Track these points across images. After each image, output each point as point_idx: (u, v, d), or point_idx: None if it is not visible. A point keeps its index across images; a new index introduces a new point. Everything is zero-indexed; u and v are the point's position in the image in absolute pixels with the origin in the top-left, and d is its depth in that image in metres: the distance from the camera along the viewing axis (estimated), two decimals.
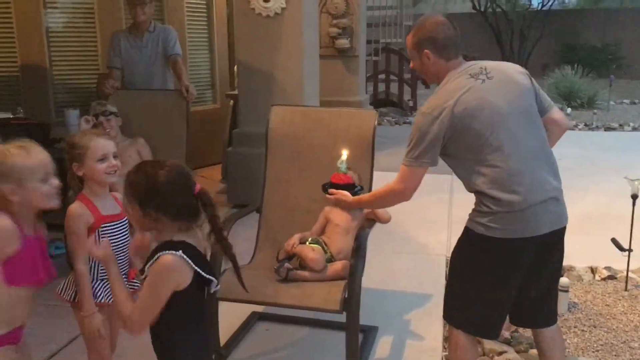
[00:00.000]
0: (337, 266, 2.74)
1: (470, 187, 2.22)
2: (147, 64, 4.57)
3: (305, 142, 3.09)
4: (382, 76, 10.26)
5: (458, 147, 2.17)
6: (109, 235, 2.16)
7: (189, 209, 1.69)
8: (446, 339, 3.02)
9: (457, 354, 2.32)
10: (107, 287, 2.16)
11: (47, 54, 5.56)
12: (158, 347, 1.74)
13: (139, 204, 1.67)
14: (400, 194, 2.34)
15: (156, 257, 1.65)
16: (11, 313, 1.76)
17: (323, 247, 2.80)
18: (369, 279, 3.66)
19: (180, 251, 1.64)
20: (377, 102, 10.12)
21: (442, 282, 3.70)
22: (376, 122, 3.05)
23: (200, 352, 1.77)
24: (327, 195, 2.64)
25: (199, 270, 1.65)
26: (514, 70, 2.28)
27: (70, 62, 5.68)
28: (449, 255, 4.14)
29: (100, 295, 2.16)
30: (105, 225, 2.17)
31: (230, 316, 3.04)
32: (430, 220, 4.92)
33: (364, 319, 3.08)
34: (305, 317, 3.05)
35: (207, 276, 1.69)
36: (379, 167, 6.62)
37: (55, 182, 1.86)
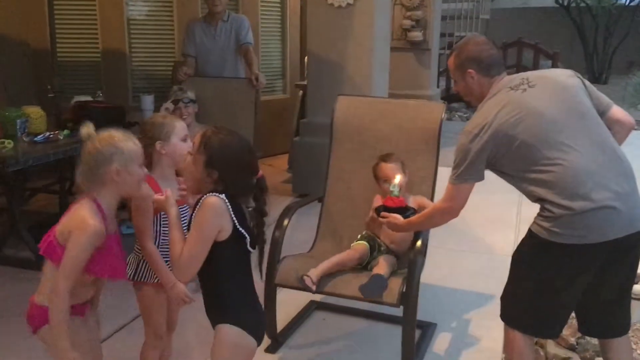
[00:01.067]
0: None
1: (532, 198, 2.15)
2: (220, 53, 4.65)
3: (370, 133, 3.07)
4: None
5: (510, 161, 2.12)
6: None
7: (245, 186, 1.79)
8: None
9: (513, 356, 2.25)
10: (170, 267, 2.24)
11: (127, 41, 5.77)
12: (210, 305, 1.84)
13: (206, 159, 1.77)
14: (448, 212, 2.35)
15: (201, 200, 1.75)
16: (79, 291, 1.84)
17: (371, 242, 2.80)
18: (431, 275, 3.62)
19: (224, 195, 1.73)
20: (449, 97, 9.93)
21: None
22: (443, 115, 2.98)
23: (252, 311, 1.85)
24: (380, 219, 2.65)
25: (235, 220, 1.72)
26: (561, 74, 2.22)
27: (148, 50, 5.87)
28: None
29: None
30: None
31: (288, 304, 3.07)
32: (498, 220, 4.79)
33: (422, 315, 3.05)
34: (363, 309, 3.04)
35: (241, 230, 1.74)
36: (446, 164, 6.57)
37: (145, 170, 1.97)
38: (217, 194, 1.73)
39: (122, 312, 2.99)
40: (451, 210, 2.32)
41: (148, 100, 4.46)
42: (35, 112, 3.81)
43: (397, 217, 2.57)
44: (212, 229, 1.72)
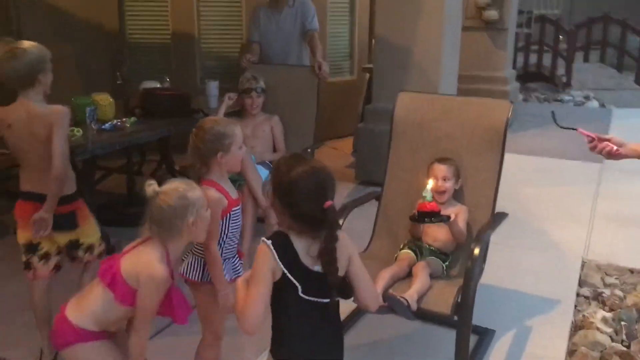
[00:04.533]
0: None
1: None
2: (284, 39, 4.61)
3: (431, 132, 2.96)
4: (534, 47, 9.59)
5: None
6: (237, 218, 2.27)
7: (311, 218, 1.67)
8: (570, 353, 2.81)
9: None
10: (230, 265, 2.29)
11: (197, 24, 5.82)
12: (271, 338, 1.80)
13: (274, 190, 1.74)
14: None
15: None
16: (110, 322, 1.91)
17: (414, 247, 2.75)
18: (490, 275, 3.47)
19: (270, 241, 1.66)
20: (527, 76, 9.52)
21: (574, 288, 3.43)
22: (510, 114, 2.83)
23: (306, 350, 1.76)
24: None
25: (279, 262, 1.65)
26: None
27: (217, 33, 5.91)
28: (586, 256, 3.86)
29: (225, 273, 2.25)
30: (235, 208, 2.25)
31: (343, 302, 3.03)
32: (570, 215, 4.56)
33: (480, 320, 2.96)
34: (420, 310, 2.97)
35: (288, 274, 1.66)
36: (518, 150, 6.33)
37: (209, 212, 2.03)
38: (266, 239, 1.68)
39: None
40: None
41: (213, 86, 4.49)
42: (104, 100, 3.90)
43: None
44: (262, 273, 1.66)
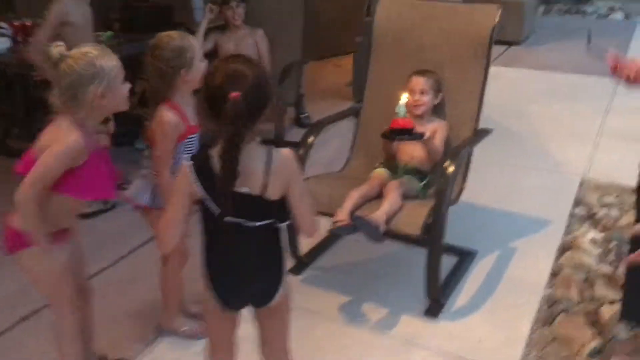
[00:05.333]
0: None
1: None
2: None
3: (413, 40, 2.74)
4: None
5: None
6: (191, 146, 2.09)
7: (217, 112, 1.47)
8: (553, 275, 2.69)
9: None
10: None
11: None
12: None
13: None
14: None
15: None
16: (57, 218, 1.78)
17: (388, 166, 2.60)
18: (481, 194, 3.34)
19: (191, 162, 1.52)
20: None
21: (568, 208, 3.26)
22: (497, 20, 2.59)
23: (217, 278, 1.61)
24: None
25: (196, 185, 1.50)
26: None
27: None
28: (588, 175, 3.67)
29: None
30: (192, 136, 2.10)
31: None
32: (577, 132, 4.33)
33: (463, 240, 2.85)
34: (389, 231, 2.85)
35: (205, 198, 1.51)
36: (530, 65, 6.01)
37: (128, 85, 1.81)
38: (185, 161, 1.53)
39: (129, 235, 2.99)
40: None
41: None
42: None
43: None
44: (180, 196, 1.53)
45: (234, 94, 1.43)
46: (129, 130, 4.13)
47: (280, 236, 1.61)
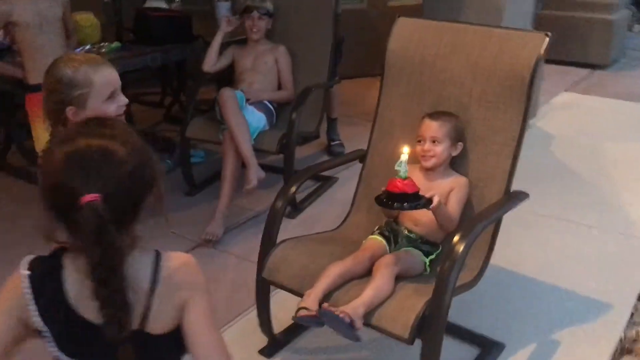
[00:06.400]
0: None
1: None
2: None
3: (433, 74, 2.16)
4: None
5: None
6: None
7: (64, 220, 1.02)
8: None
9: None
10: None
11: None
12: None
13: None
14: None
15: None
16: None
17: (387, 232, 2.04)
18: (524, 260, 2.70)
19: (28, 272, 1.04)
20: None
21: (637, 290, 2.56)
22: (542, 51, 1.97)
23: None
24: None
25: (31, 304, 1.02)
26: None
27: None
28: None
29: None
30: None
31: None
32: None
33: (488, 324, 2.24)
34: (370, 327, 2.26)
35: (36, 318, 1.02)
36: (615, 94, 5.18)
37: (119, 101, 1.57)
38: (22, 268, 1.05)
39: None
40: None
41: (223, 8, 3.84)
42: (85, 20, 3.38)
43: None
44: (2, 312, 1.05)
45: (89, 198, 0.94)
46: None
47: None
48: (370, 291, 1.76)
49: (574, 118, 4.71)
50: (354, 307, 1.72)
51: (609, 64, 5.99)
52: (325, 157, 3.96)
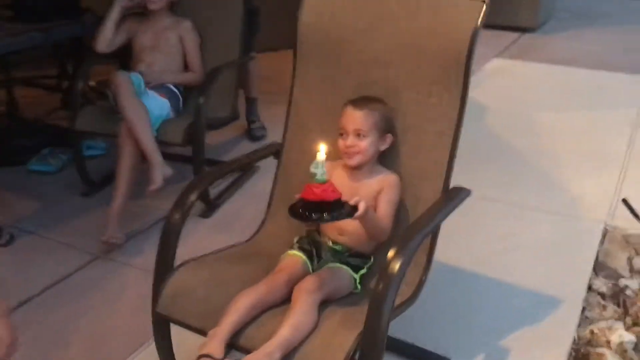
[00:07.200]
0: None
1: None
2: None
3: (357, 52, 1.82)
4: None
5: None
6: None
7: None
8: None
9: None
10: None
11: None
12: None
13: None
14: None
15: None
16: None
17: (308, 246, 1.72)
18: (466, 253, 2.46)
19: None
20: None
21: (586, 278, 2.34)
22: (479, 23, 1.66)
23: None
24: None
25: None
26: None
27: None
28: (611, 221, 2.72)
29: None
30: None
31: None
32: (597, 151, 3.40)
33: (429, 338, 1.98)
34: None
35: None
36: (545, 58, 5.00)
37: None
38: None
39: None
40: None
41: None
42: None
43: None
44: None
45: None
46: (25, 147, 3.34)
47: None
48: (288, 329, 1.43)
49: (508, 86, 4.50)
50: (267, 352, 1.39)
51: (538, 26, 5.83)
52: (246, 142, 3.61)
